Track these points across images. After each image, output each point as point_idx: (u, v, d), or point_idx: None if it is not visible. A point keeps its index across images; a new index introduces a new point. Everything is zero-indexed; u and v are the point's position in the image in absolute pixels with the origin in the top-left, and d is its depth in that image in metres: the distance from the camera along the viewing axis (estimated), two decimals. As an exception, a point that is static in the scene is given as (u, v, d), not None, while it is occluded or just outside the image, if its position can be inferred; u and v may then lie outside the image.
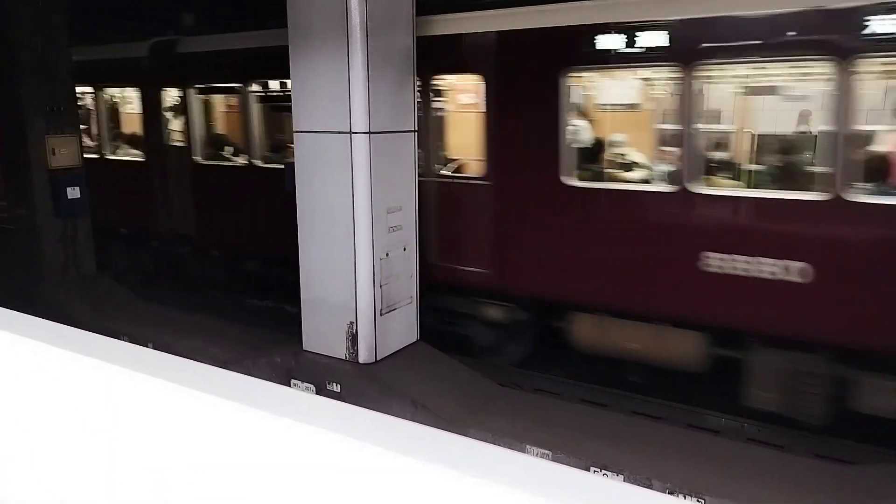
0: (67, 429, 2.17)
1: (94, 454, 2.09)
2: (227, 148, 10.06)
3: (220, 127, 10.54)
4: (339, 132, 6.21)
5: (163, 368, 1.87)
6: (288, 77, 6.57)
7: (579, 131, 7.00)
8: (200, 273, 10.51)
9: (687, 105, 6.03)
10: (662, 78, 6.54)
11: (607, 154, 7.09)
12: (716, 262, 6.05)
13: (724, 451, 5.51)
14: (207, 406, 1.60)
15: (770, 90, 6.94)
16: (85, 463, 2.12)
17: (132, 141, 11.08)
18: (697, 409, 6.70)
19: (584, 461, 5.23)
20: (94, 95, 11.14)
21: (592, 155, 7.11)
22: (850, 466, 5.39)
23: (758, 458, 5.42)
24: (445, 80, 7.74)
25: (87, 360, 2.03)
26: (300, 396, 1.47)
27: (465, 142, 7.70)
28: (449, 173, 7.79)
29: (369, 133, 6.16)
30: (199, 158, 9.86)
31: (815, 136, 6.48)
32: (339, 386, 6.48)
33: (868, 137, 5.83)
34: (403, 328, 6.91)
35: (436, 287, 7.69)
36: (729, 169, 6.77)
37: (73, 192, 9.04)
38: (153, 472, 1.89)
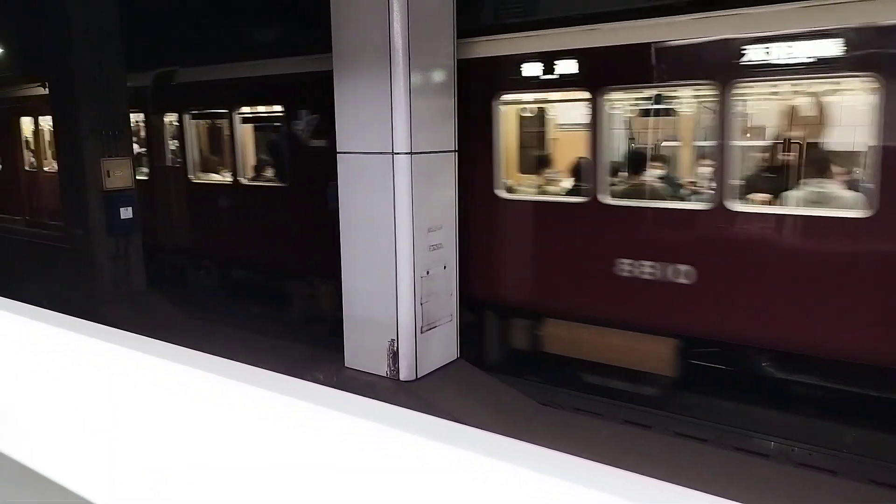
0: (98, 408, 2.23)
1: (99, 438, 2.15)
2: None
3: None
4: (381, 153, 6.34)
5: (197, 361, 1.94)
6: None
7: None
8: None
9: None
10: None
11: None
12: None
13: (774, 475, 5.36)
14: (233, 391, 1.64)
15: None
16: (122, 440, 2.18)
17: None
18: (745, 432, 6.52)
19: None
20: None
21: None
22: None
23: (809, 483, 5.25)
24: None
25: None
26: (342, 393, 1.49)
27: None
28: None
29: (411, 153, 6.27)
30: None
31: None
32: (379, 403, 6.53)
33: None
34: (443, 346, 6.95)
35: None
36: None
37: (126, 212, 9.41)
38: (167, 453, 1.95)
